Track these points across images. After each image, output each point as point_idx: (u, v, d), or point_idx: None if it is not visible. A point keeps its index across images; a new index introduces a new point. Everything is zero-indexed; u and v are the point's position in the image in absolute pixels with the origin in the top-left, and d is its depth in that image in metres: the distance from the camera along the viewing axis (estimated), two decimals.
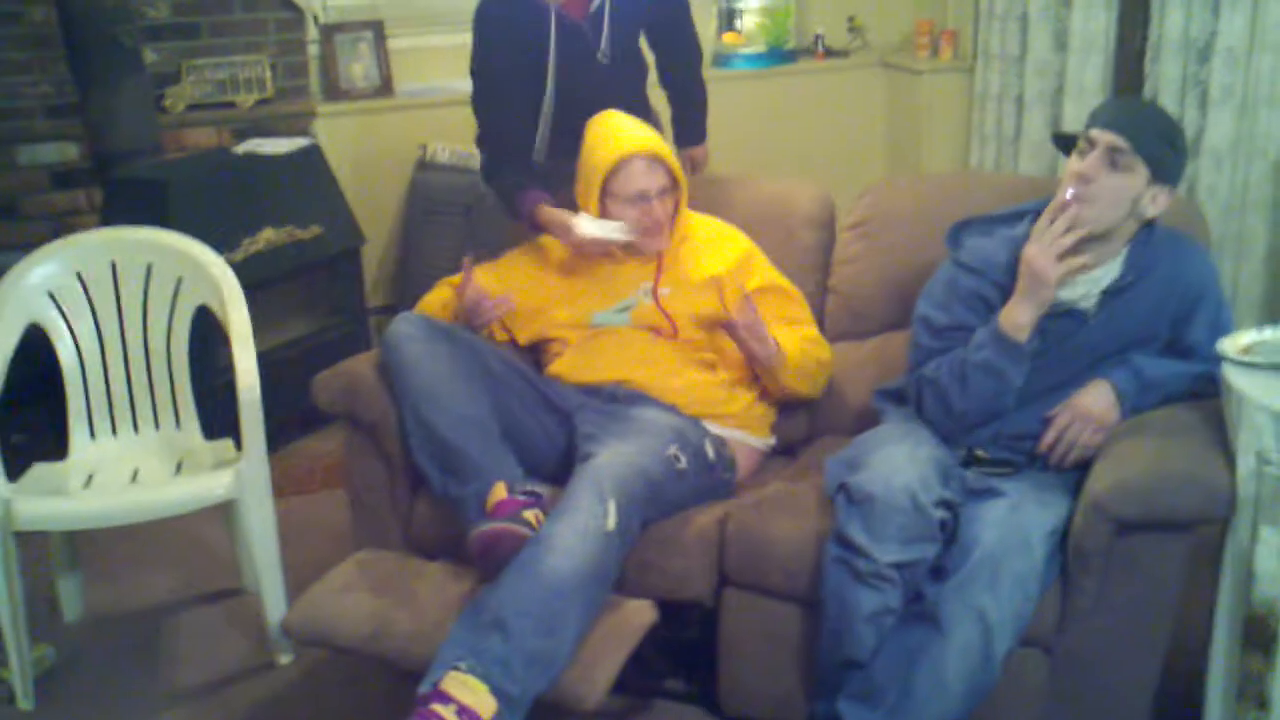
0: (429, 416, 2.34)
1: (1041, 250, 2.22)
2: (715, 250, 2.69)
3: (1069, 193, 2.22)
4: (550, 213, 2.71)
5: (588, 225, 2.61)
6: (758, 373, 2.65)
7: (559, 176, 2.83)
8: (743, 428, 2.64)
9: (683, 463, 2.38)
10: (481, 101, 2.98)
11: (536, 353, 2.78)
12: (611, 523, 2.15)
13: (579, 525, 2.14)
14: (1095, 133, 2.22)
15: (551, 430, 2.51)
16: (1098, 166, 2.20)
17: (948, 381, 2.33)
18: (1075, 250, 2.23)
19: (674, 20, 3.15)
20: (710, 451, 2.48)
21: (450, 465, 2.32)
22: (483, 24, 2.93)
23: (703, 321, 2.63)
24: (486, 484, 2.28)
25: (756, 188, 2.96)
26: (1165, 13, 3.45)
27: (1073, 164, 2.24)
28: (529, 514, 2.22)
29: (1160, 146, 2.21)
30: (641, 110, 2.97)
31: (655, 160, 2.60)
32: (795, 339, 2.64)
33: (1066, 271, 2.22)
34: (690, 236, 2.70)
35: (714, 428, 2.56)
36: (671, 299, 2.64)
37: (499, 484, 2.28)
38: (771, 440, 2.72)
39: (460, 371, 2.39)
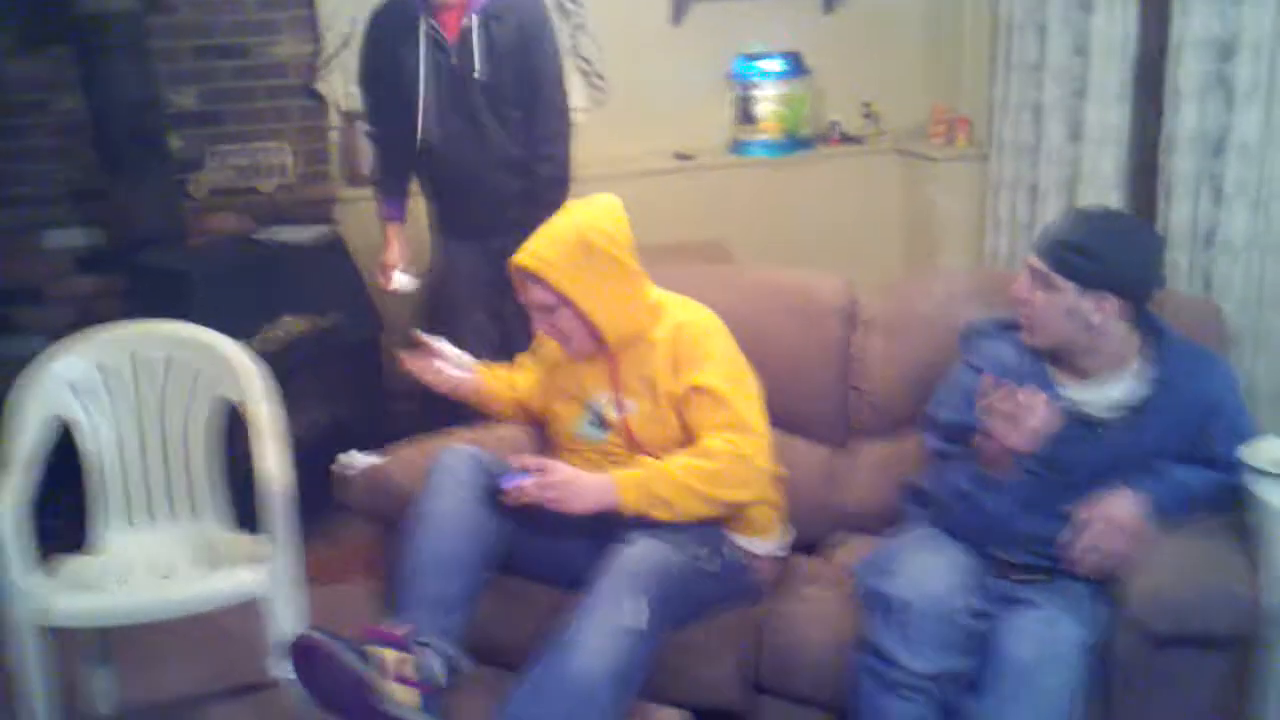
0: (419, 541, 2.30)
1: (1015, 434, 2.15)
2: (662, 349, 2.47)
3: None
4: (390, 238, 3.49)
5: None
6: None
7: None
8: (747, 533, 2.50)
9: (713, 564, 2.37)
10: (369, 109, 3.48)
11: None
12: (642, 619, 2.13)
13: (608, 622, 2.12)
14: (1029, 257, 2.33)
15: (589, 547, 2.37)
16: (1029, 289, 2.31)
17: (941, 499, 2.35)
18: (1071, 365, 2.32)
19: (528, 71, 3.24)
20: (734, 554, 2.45)
21: (405, 585, 2.26)
22: (366, 36, 3.37)
23: (671, 439, 2.45)
24: (407, 620, 2.19)
25: (776, 277, 2.94)
26: (1179, 107, 3.48)
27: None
28: (387, 652, 2.10)
29: (1072, 258, 2.25)
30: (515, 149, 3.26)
31: (526, 275, 2.42)
32: (679, 460, 2.36)
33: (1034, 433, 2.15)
34: (646, 335, 2.48)
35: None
36: (639, 417, 2.47)
37: (411, 626, 2.17)
38: (786, 540, 2.61)
39: (470, 514, 2.32)
